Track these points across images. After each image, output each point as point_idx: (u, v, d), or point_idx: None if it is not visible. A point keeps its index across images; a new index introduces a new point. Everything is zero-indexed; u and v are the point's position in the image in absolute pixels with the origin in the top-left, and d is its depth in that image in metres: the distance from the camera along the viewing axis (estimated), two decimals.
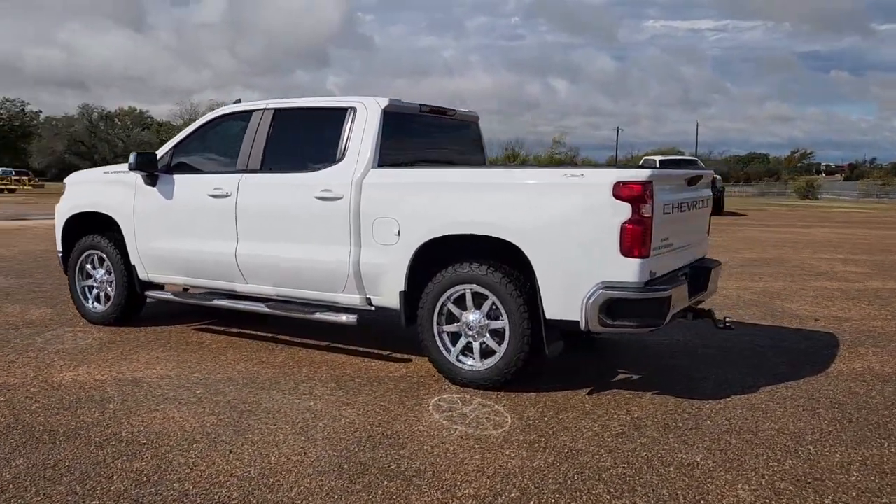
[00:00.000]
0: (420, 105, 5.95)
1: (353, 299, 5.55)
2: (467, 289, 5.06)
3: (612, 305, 4.59)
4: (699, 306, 5.55)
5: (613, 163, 51.58)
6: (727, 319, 5.45)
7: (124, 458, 3.86)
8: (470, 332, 5.10)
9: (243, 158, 6.01)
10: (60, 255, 7.18)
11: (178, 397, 4.85)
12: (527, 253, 4.81)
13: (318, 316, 5.67)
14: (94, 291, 6.97)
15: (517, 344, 4.88)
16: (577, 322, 4.69)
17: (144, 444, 4.05)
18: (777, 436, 4.27)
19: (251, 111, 6.13)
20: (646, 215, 4.54)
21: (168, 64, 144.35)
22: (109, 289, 6.84)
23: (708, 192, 5.85)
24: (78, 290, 7.03)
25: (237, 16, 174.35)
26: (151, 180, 6.40)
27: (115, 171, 6.79)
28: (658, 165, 26.28)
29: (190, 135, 6.46)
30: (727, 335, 6.75)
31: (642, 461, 3.89)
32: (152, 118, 77.50)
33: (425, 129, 6.21)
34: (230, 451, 3.95)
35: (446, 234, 5.08)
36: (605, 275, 4.60)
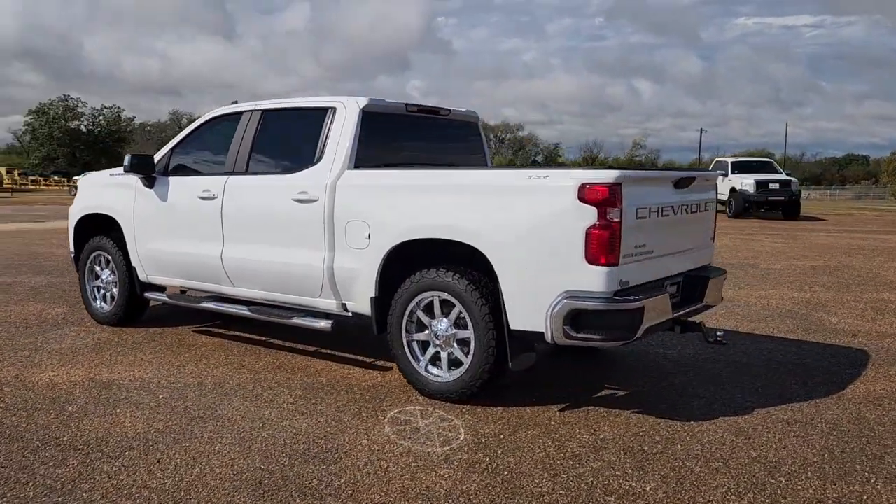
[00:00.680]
0: (406, 104, 5.74)
1: (330, 304, 5.40)
2: (435, 296, 4.82)
3: (577, 316, 4.26)
4: (691, 318, 5.09)
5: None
6: (718, 334, 4.99)
7: (51, 463, 3.80)
8: (437, 342, 4.86)
9: (230, 160, 5.95)
10: (73, 255, 7.32)
11: (140, 401, 4.80)
12: (490, 258, 4.53)
13: (296, 321, 5.54)
14: (101, 292, 7.07)
15: (482, 355, 4.61)
16: (543, 333, 4.38)
17: (80, 449, 3.99)
18: (750, 465, 3.86)
19: (241, 112, 6.07)
20: (613, 220, 4.19)
21: (256, 70, 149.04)
22: (115, 289, 6.93)
23: (709, 195, 5.39)
24: (87, 290, 7.15)
25: (322, 22, 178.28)
26: (149, 182, 6.43)
27: (119, 174, 6.85)
28: (730, 167, 25.27)
29: (186, 137, 6.45)
30: (744, 350, 6.27)
31: (584, 488, 3.56)
32: None
33: (415, 130, 5.97)
34: (158, 461, 3.85)
35: (413, 238, 4.86)
36: (570, 283, 4.27)
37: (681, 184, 4.88)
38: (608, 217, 4.18)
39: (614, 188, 4.18)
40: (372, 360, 5.81)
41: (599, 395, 5.06)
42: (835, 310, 8.21)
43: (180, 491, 3.50)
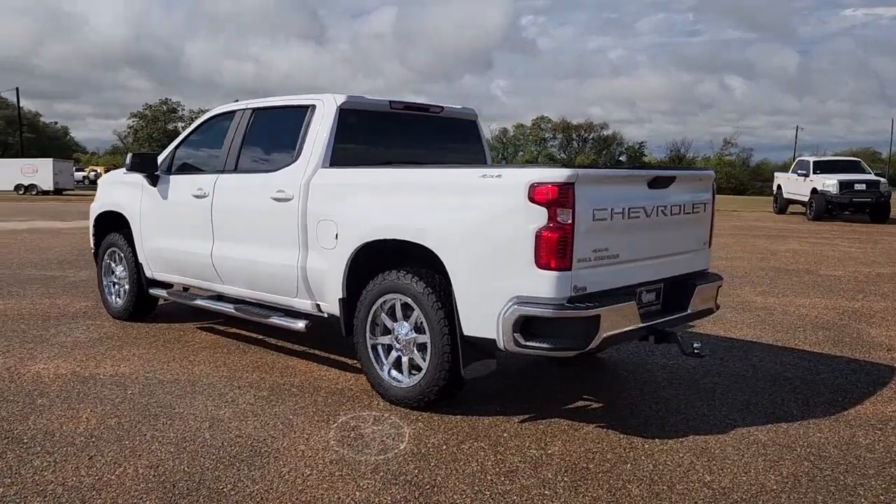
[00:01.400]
0: (391, 102, 5.60)
1: (306, 305, 5.33)
2: (397, 299, 4.66)
3: (527, 323, 4.03)
4: (669, 328, 4.72)
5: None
6: (696, 346, 4.60)
7: None
8: (399, 346, 4.71)
9: (221, 159, 5.98)
10: (93, 251, 7.54)
11: (107, 397, 4.85)
12: (444, 260, 4.35)
13: (273, 320, 5.50)
14: (116, 287, 7.26)
15: (437, 361, 4.43)
16: (495, 340, 4.16)
17: (24, 443, 4.04)
18: (697, 490, 3.53)
19: (234, 111, 6.09)
20: (565, 222, 3.93)
21: (345, 73, 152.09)
22: (126, 285, 7.09)
23: (701, 196, 5.01)
24: (104, 285, 7.35)
25: (408, 25, 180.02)
26: (153, 181, 6.54)
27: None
28: (811, 167, 23.92)
29: (187, 136, 6.53)
30: (754, 363, 5.83)
31: None
32: None
33: (403, 128, 5.81)
34: (90, 458, 3.85)
35: (375, 238, 4.72)
36: (521, 288, 4.03)
37: (657, 183, 4.54)
38: (559, 219, 3.92)
39: (565, 188, 3.91)
40: (354, 361, 5.70)
41: (571, 406, 4.79)
42: (881, 322, 7.57)
43: (93, 490, 3.48)
